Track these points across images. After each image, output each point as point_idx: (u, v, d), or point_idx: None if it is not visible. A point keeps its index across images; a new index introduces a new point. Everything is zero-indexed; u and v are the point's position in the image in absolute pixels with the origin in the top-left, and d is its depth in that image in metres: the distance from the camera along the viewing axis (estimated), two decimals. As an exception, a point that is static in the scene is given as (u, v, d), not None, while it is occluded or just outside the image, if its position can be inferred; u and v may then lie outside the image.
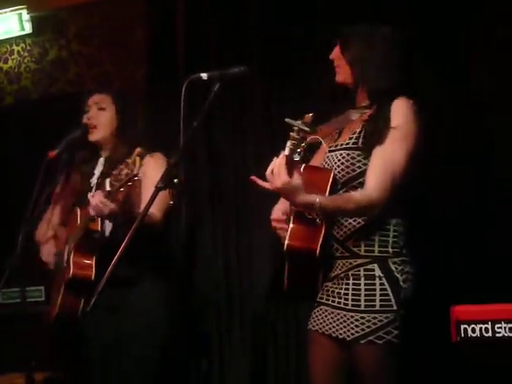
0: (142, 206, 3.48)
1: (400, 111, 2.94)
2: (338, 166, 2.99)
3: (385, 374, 2.92)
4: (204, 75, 2.91)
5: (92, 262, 3.54)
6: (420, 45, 3.86)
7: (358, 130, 3.01)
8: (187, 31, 4.78)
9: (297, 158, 2.77)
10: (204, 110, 2.86)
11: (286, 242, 2.89)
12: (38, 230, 3.79)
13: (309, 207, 2.81)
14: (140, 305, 3.60)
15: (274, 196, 3.21)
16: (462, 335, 2.98)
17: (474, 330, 2.98)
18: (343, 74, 3.07)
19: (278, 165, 2.75)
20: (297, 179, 2.76)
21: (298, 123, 2.75)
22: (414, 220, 3.09)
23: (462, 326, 2.99)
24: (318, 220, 2.87)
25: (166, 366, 3.65)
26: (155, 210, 3.49)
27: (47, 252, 3.76)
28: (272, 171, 2.77)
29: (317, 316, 3.06)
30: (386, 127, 2.91)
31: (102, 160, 3.79)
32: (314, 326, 3.07)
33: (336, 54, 3.07)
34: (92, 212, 3.37)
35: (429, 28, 4.03)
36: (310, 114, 2.82)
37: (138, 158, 3.14)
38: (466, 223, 3.76)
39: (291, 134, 2.76)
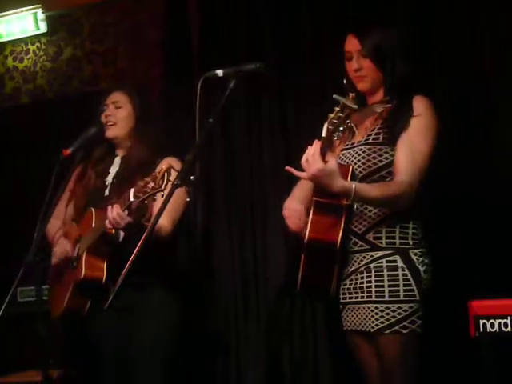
0: (155, 209, 3.48)
1: (421, 104, 3.02)
2: (359, 161, 3.03)
3: (409, 364, 2.97)
4: (219, 72, 2.92)
5: (104, 265, 3.55)
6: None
7: (376, 127, 3.04)
8: (201, 27, 4.77)
9: (336, 137, 2.78)
10: (220, 106, 2.85)
11: (307, 233, 2.92)
12: (49, 225, 3.77)
13: (345, 192, 2.83)
14: (154, 305, 3.62)
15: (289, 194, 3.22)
16: (481, 330, 2.97)
17: (492, 325, 2.96)
18: (370, 80, 3.11)
19: (312, 152, 2.78)
20: (332, 164, 2.78)
21: (345, 99, 2.77)
22: (432, 214, 3.10)
23: (481, 321, 2.97)
24: (344, 204, 2.90)
25: (181, 366, 3.65)
26: (166, 222, 3.49)
27: (62, 247, 3.74)
28: (307, 159, 2.78)
29: (345, 316, 3.14)
30: (410, 116, 2.98)
31: (117, 159, 3.78)
32: (345, 326, 3.15)
33: (364, 63, 3.09)
34: (108, 224, 3.38)
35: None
36: (353, 94, 2.89)
37: (166, 174, 3.09)
38: (486, 217, 3.75)
39: (332, 114, 2.79)
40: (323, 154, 2.77)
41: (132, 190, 3.23)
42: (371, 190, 2.90)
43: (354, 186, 2.83)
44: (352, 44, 3.11)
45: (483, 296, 3.07)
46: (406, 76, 3.06)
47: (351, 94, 2.90)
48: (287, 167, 2.90)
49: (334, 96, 2.80)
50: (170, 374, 3.62)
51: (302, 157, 2.84)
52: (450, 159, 3.49)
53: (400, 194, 2.91)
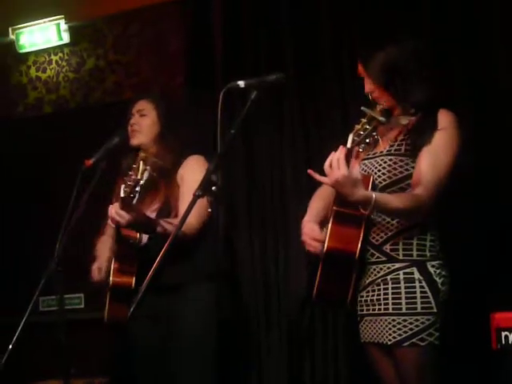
0: (181, 209, 3.51)
1: (446, 118, 2.98)
2: (379, 171, 3.01)
3: (427, 376, 2.94)
4: (241, 83, 2.90)
5: (131, 269, 3.56)
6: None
7: (399, 138, 3.03)
8: (224, 38, 4.79)
9: (361, 149, 2.76)
10: (241, 117, 2.85)
11: (326, 243, 2.90)
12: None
13: (365, 202, 2.81)
14: (185, 311, 3.62)
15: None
16: (503, 342, 2.95)
17: (515, 338, 2.95)
18: (387, 100, 3.05)
19: (336, 158, 2.75)
20: (356, 173, 2.76)
21: (373, 112, 2.75)
22: (452, 226, 3.07)
23: (503, 333, 2.96)
24: (364, 215, 2.87)
25: (211, 371, 3.67)
26: (193, 219, 3.49)
27: (95, 269, 3.76)
28: (330, 165, 2.76)
29: (362, 328, 3.12)
30: (434, 130, 2.94)
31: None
32: (363, 338, 3.13)
33: (373, 87, 3.05)
34: (111, 223, 3.40)
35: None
36: (381, 106, 2.87)
37: (141, 163, 3.14)
38: (507, 228, 3.73)
39: (358, 125, 2.76)
40: (347, 163, 2.76)
41: (122, 187, 3.26)
42: (391, 200, 2.87)
43: (374, 195, 2.82)
44: (360, 68, 3.09)
45: (505, 308, 3.06)
46: (420, 92, 3.01)
47: (379, 107, 2.89)
48: (309, 170, 2.86)
49: (363, 108, 2.78)
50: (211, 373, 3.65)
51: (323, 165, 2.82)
52: (468, 169, 3.47)
53: (420, 205, 2.88)
